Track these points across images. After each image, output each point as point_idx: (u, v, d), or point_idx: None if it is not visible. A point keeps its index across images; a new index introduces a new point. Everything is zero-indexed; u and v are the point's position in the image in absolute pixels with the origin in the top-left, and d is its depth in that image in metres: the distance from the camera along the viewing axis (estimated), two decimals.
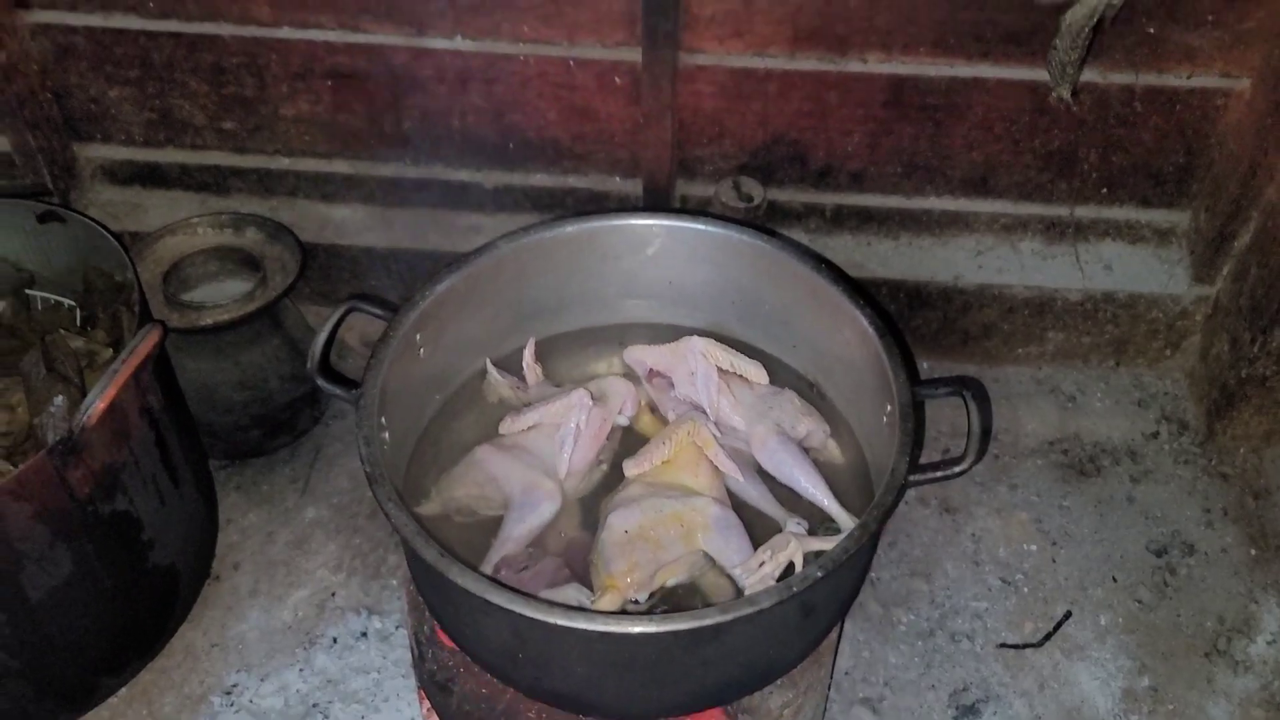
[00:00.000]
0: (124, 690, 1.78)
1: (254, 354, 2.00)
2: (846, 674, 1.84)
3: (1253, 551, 2.01)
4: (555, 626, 1.20)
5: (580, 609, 1.27)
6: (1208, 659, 1.88)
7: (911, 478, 1.33)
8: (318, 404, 2.15)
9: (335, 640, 1.86)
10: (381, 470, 1.34)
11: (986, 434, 1.38)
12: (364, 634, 1.87)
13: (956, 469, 1.37)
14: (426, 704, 1.56)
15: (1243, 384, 2.06)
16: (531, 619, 1.20)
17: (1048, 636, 1.89)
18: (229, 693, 1.80)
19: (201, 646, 1.85)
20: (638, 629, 1.20)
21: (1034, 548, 2.01)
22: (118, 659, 1.75)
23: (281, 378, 2.03)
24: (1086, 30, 1.73)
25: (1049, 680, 1.85)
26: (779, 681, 1.43)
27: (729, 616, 1.20)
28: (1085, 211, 2.15)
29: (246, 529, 2.01)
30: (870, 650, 1.87)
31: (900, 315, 2.21)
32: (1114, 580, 1.97)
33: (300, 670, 1.82)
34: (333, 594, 1.92)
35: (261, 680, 1.81)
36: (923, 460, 1.81)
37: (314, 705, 1.78)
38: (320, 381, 1.45)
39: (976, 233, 2.19)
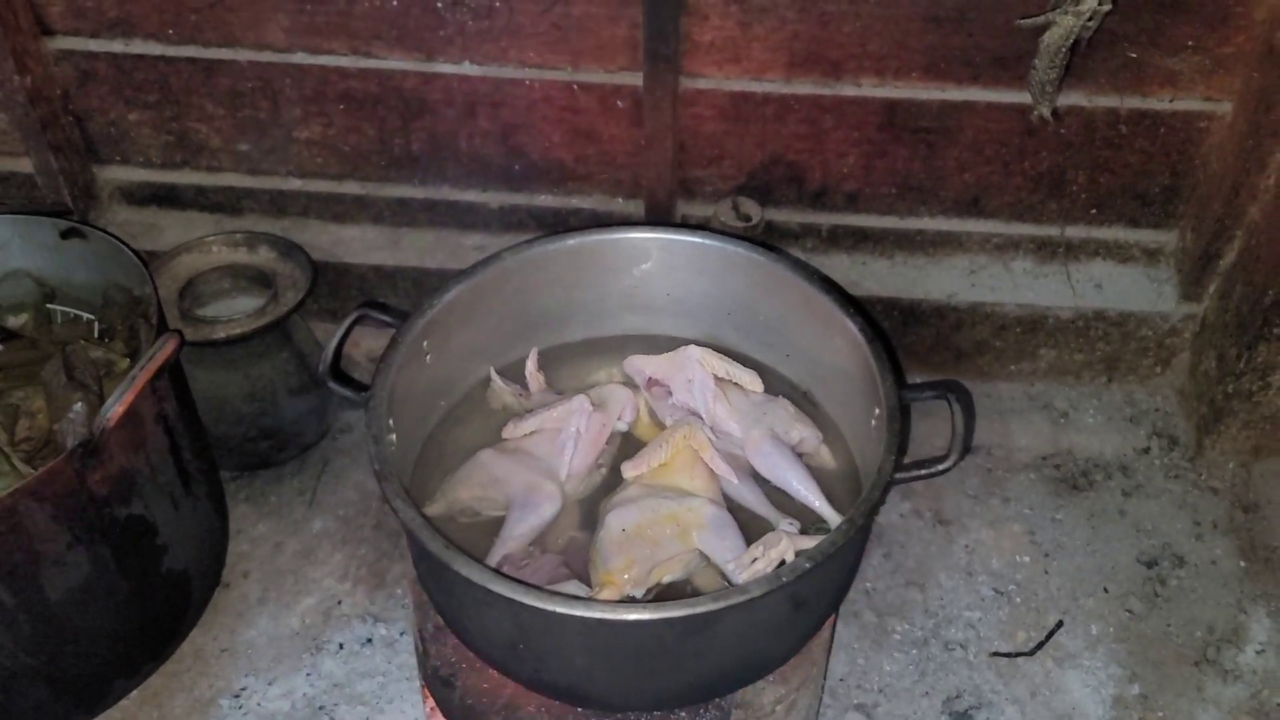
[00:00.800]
0: (135, 692, 1.82)
1: (264, 367, 2.05)
2: (842, 680, 1.87)
3: (1242, 563, 2.05)
4: (554, 614, 1.24)
5: (578, 597, 1.31)
6: (1197, 668, 1.90)
7: (898, 475, 1.38)
8: (325, 417, 2.20)
9: (341, 646, 1.90)
10: (390, 468, 1.38)
11: (970, 434, 1.43)
12: (369, 640, 1.91)
13: (940, 467, 1.42)
14: (430, 702, 1.59)
15: (1230, 399, 2.10)
16: (531, 607, 1.24)
17: (1040, 645, 1.92)
18: (237, 696, 1.83)
19: (211, 651, 1.89)
20: (633, 616, 1.24)
21: (1026, 559, 2.05)
22: (131, 661, 1.79)
23: (290, 391, 2.08)
24: (1064, 50, 1.78)
25: (1041, 688, 1.87)
26: (771, 677, 1.47)
27: (721, 605, 1.24)
28: (1075, 231, 2.20)
29: (256, 539, 2.05)
30: (865, 658, 1.91)
31: (894, 332, 2.26)
32: (1105, 591, 2.00)
33: (307, 674, 1.86)
34: (339, 602, 1.96)
35: (269, 684, 1.85)
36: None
37: (320, 708, 1.82)
38: (331, 384, 1.50)
39: (969, 252, 2.24)
